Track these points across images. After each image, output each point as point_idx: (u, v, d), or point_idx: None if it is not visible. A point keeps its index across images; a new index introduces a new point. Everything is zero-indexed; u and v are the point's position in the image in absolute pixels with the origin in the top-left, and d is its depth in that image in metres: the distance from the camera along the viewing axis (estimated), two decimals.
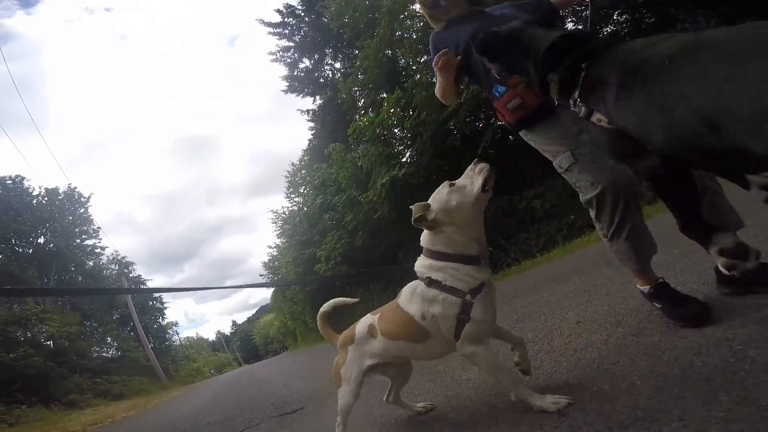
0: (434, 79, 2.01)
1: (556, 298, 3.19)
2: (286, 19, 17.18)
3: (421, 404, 1.88)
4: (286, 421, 2.69)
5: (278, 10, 17.05)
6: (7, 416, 9.79)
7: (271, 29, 17.29)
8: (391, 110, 11.53)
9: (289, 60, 17.54)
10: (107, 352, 25.14)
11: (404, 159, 11.91)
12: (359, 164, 11.70)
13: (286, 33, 17.32)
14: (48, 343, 19.22)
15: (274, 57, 17.56)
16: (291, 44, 17.39)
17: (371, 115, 12.10)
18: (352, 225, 12.99)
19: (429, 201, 1.52)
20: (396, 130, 12.06)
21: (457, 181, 1.54)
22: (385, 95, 12.55)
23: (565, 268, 4.62)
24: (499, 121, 3.26)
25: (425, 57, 11.61)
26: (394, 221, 12.30)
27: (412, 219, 1.49)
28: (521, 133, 1.86)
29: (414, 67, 12.50)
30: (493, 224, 9.24)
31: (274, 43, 17.59)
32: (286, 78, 17.71)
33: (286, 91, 17.82)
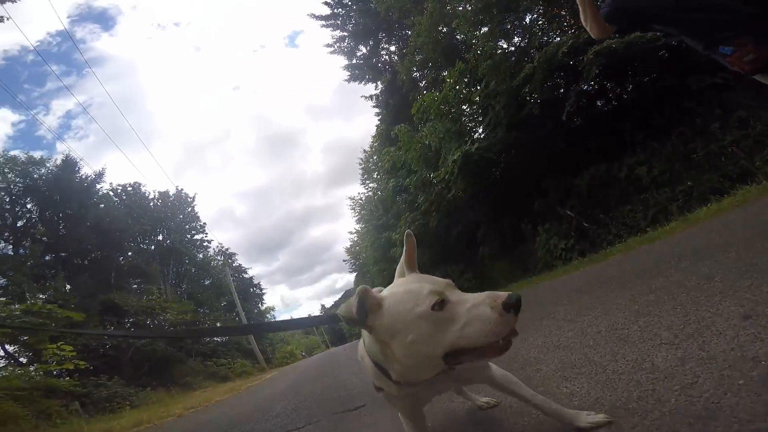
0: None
1: (695, 282, 2.29)
2: (335, 10, 17.36)
3: (485, 399, 1.74)
4: (345, 421, 2.51)
5: (326, 2, 17.26)
6: (134, 398, 11.24)
7: (323, 22, 17.57)
8: (455, 85, 10.83)
9: (346, 49, 17.78)
10: (216, 337, 28.10)
11: (476, 135, 11.09)
12: (427, 142, 11.16)
13: (338, 23, 17.53)
14: (170, 329, 21.82)
15: (332, 49, 17.89)
16: (345, 34, 17.60)
17: (434, 92, 11.45)
18: (425, 206, 12.56)
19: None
20: (464, 106, 11.32)
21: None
22: (445, 72, 11.88)
23: (694, 244, 3.58)
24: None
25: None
26: (469, 199, 11.63)
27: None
28: (757, 77, 1.94)
29: (474, 40, 11.52)
30: (588, 196, 8.31)
31: (329, 35, 18.34)
32: (346, 68, 18.07)
33: (348, 80, 18.23)
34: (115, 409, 9.36)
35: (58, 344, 10.24)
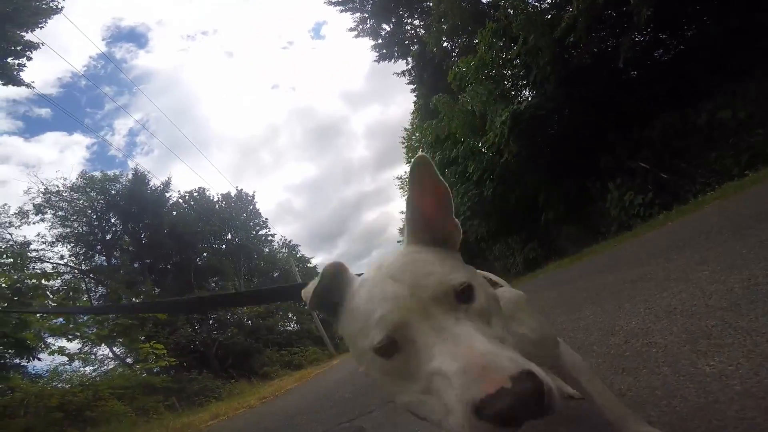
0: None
1: None
2: None
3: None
4: (398, 410, 2.30)
5: None
6: (221, 390, 12.18)
7: (341, 7, 17.16)
8: (490, 46, 10.11)
9: (369, 30, 17.34)
10: (289, 326, 29.79)
11: (523, 95, 10.54)
12: (470, 108, 10.50)
13: (356, 5, 17.06)
14: (248, 322, 23.46)
15: (356, 32, 17.52)
16: (365, 15, 17.13)
17: (469, 57, 10.78)
18: (477, 175, 11.92)
19: None
20: (505, 70, 10.66)
21: None
22: (477, 35, 11.02)
23: None
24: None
25: None
26: (524, 162, 10.82)
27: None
28: None
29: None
30: (663, 147, 7.54)
31: (350, 19, 17.63)
32: (373, 48, 17.66)
33: (378, 60, 17.84)
34: (203, 403, 10.16)
35: (152, 343, 11.29)
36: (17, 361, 6.61)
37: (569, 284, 4.58)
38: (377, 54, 17.71)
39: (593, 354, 1.80)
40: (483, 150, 10.86)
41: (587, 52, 8.87)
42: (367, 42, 17.94)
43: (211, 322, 21.54)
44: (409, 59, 17.16)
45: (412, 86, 17.78)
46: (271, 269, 37.77)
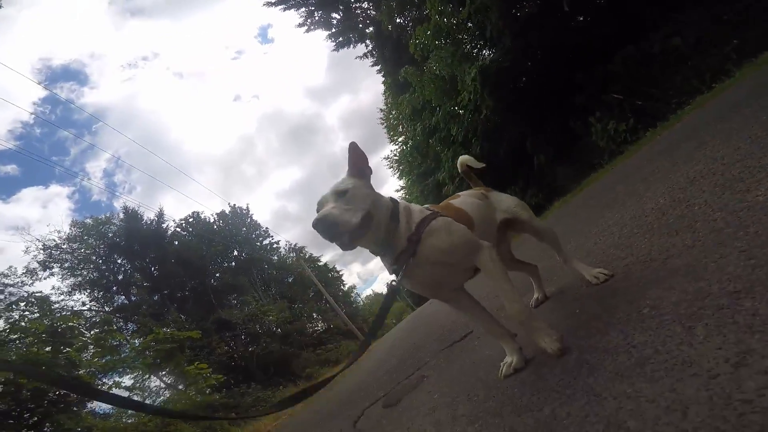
0: None
1: None
2: None
3: (597, 270, 1.65)
4: (455, 351, 2.48)
5: None
6: (273, 399, 12.60)
7: (282, 6, 16.92)
8: (441, 13, 10.17)
9: (319, 21, 17.20)
10: (317, 326, 30.42)
11: (484, 51, 10.59)
12: (437, 73, 10.70)
13: (298, 1, 16.82)
14: (277, 330, 23.95)
15: (306, 27, 17.36)
16: (311, 8, 16.92)
17: (425, 25, 10.81)
18: (461, 136, 12.14)
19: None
20: (460, 34, 10.66)
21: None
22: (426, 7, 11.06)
23: None
24: None
25: None
26: (504, 114, 11.06)
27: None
28: None
29: None
30: (629, 78, 7.99)
31: (296, 15, 17.37)
32: (328, 38, 17.55)
33: (336, 49, 17.80)
34: (263, 413, 10.57)
35: (196, 364, 11.75)
36: (78, 398, 7.01)
37: (581, 208, 4.69)
38: (334, 43, 17.65)
39: (636, 233, 1.91)
40: (461, 112, 11.04)
41: (533, 2, 9.14)
42: (320, 34, 17.81)
43: (243, 336, 22.05)
44: (367, 41, 17.07)
45: (376, 67, 17.74)
46: (284, 276, 38.16)
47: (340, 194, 1.27)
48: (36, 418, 5.79)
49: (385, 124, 19.61)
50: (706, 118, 4.01)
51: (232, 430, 8.31)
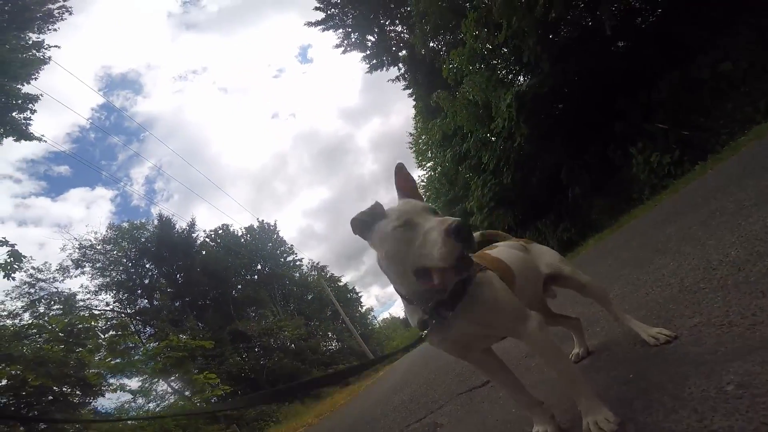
0: None
1: None
2: (328, 11, 17.03)
3: (657, 330, 1.38)
4: (475, 399, 2.20)
5: (317, 7, 17.03)
6: (277, 414, 12.35)
7: (322, 26, 17.38)
8: (476, 37, 9.98)
9: (355, 43, 17.46)
10: (331, 345, 30.05)
11: (520, 78, 10.41)
12: (471, 98, 10.41)
13: (336, 22, 17.23)
14: (291, 346, 23.79)
15: (342, 48, 17.66)
16: (348, 30, 17.29)
17: (459, 49, 10.72)
18: (492, 164, 11.78)
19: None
20: (494, 60, 10.58)
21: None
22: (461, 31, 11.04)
23: None
24: None
25: None
26: (538, 142, 10.71)
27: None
28: None
29: None
30: (673, 106, 7.51)
31: (333, 36, 17.82)
32: (363, 60, 17.82)
33: (370, 71, 17.96)
34: (263, 427, 10.33)
35: (205, 374, 11.64)
36: (84, 399, 6.97)
37: (622, 249, 4.12)
38: (368, 65, 17.88)
39: (703, 288, 1.61)
40: (493, 139, 10.76)
41: (572, 26, 8.84)
42: (356, 55, 18.09)
43: (257, 349, 21.95)
44: (400, 65, 17.22)
45: (408, 90, 17.81)
46: (304, 293, 38.29)
47: (431, 211, 1.05)
48: (35, 412, 5.73)
49: (414, 149, 19.49)
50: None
51: None
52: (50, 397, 5.88)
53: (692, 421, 0.82)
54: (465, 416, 2.01)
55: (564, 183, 11.20)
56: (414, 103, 17.81)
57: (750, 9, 6.47)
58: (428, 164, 18.86)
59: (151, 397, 13.09)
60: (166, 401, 14.61)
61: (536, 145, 10.62)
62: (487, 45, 9.90)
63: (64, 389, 6.18)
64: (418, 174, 20.37)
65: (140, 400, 11.30)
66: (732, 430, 0.74)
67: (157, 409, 11.18)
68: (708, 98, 6.83)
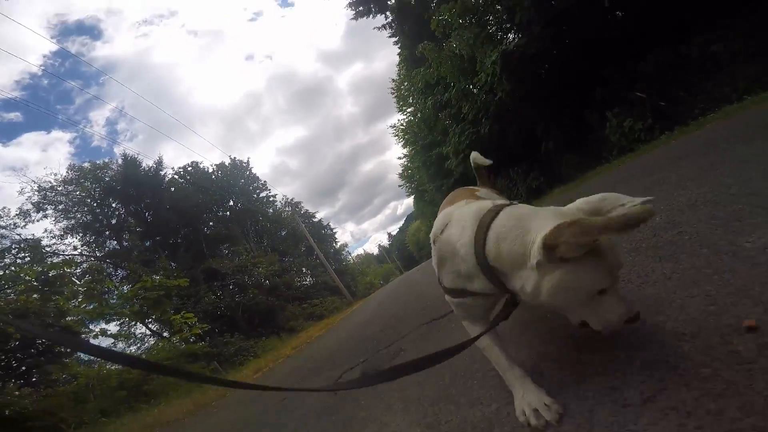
0: None
1: None
2: None
3: None
4: (433, 329, 2.53)
5: None
6: (255, 349, 13.00)
7: None
8: None
9: None
10: (305, 280, 30.86)
11: (509, 36, 10.22)
12: (457, 52, 10.32)
13: None
14: (266, 282, 24.21)
15: None
16: None
17: (451, 4, 10.25)
18: (472, 114, 11.92)
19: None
20: (488, 15, 10.18)
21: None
22: None
23: None
24: None
25: None
26: (519, 99, 10.75)
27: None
28: None
29: None
30: (657, 78, 7.59)
31: None
32: (348, 6, 16.81)
33: (355, 18, 17.06)
34: (243, 362, 10.90)
35: (182, 313, 11.96)
36: (68, 349, 7.12)
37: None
38: (353, 12, 16.93)
39: (624, 248, 1.82)
40: (475, 91, 10.70)
41: None
42: (340, 2, 17.26)
43: (231, 287, 22.33)
44: (388, 13, 16.47)
45: (394, 38, 17.23)
46: (278, 229, 38.26)
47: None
48: (24, 368, 5.88)
49: (396, 94, 19.40)
50: (728, 133, 3.79)
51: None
52: (33, 351, 5.98)
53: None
54: (423, 343, 2.31)
55: (539, 137, 11.50)
56: (399, 51, 17.39)
57: None
58: (408, 109, 18.96)
59: (131, 340, 13.43)
60: (146, 343, 15.05)
61: (516, 101, 10.65)
62: (480, 0, 9.42)
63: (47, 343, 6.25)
64: (398, 118, 20.19)
65: (120, 345, 11.56)
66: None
67: (139, 352, 11.50)
68: (692, 75, 6.97)
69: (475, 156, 1.92)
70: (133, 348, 13.25)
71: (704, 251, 1.37)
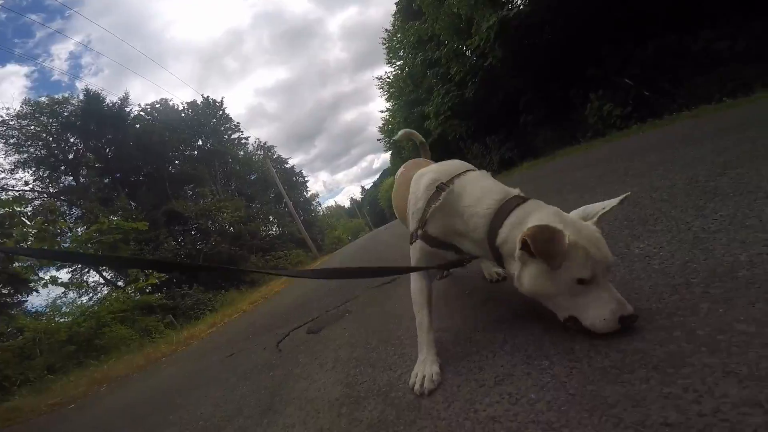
0: None
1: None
2: None
3: (496, 270, 1.74)
4: (380, 293, 2.65)
5: None
6: (213, 302, 12.63)
7: None
8: None
9: None
10: (271, 230, 30.22)
11: (515, 1, 9.68)
12: (455, 11, 9.78)
13: None
14: (230, 229, 23.44)
15: None
16: None
17: None
18: (459, 77, 11.69)
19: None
20: None
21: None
22: None
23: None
24: None
25: None
26: (510, 67, 10.44)
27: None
28: None
29: None
30: (653, 66, 7.46)
31: None
32: None
33: None
34: (199, 316, 10.51)
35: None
36: (17, 298, 6.65)
37: (541, 179, 4.97)
38: None
39: None
40: (467, 53, 10.28)
41: None
42: None
43: (193, 232, 21.56)
44: None
45: None
46: (247, 172, 37.03)
47: (609, 268, 1.00)
48: None
49: (386, 45, 18.45)
50: (689, 133, 3.87)
51: (168, 333, 8.39)
52: None
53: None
54: (368, 306, 2.47)
55: (520, 108, 11.38)
56: (397, 0, 16.37)
57: None
58: (398, 63, 18.29)
59: (83, 290, 12.66)
60: (99, 293, 14.27)
61: (506, 69, 10.35)
62: None
63: None
64: (385, 70, 19.24)
65: (71, 294, 10.95)
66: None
67: (92, 303, 10.95)
68: (686, 69, 6.84)
69: (411, 132, 2.16)
70: (84, 299, 12.60)
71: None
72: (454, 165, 1.32)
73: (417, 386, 1.12)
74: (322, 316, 2.85)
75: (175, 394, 2.70)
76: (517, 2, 9.49)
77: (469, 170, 1.28)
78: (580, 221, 1.01)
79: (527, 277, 0.98)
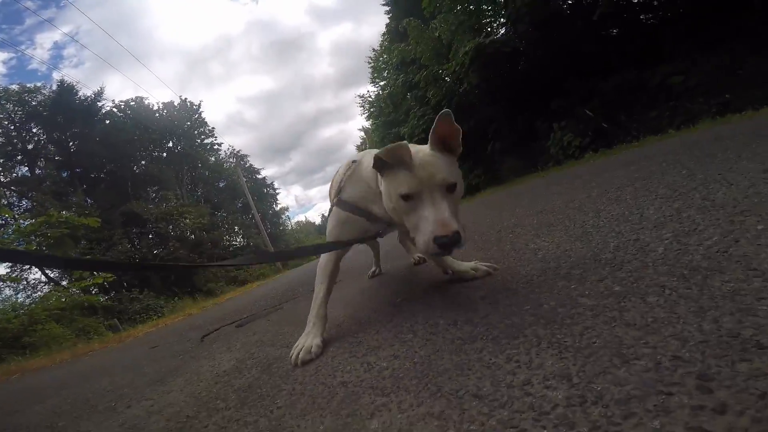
0: None
1: (709, 152, 2.39)
2: None
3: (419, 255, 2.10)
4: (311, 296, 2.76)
5: None
6: (164, 308, 12.02)
7: None
8: None
9: None
10: (235, 240, 29.31)
11: (495, 30, 10.36)
12: (437, 35, 10.34)
13: None
14: (191, 236, 22.51)
15: None
16: None
17: None
18: (435, 100, 11.99)
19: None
20: (484, 5, 10.23)
21: None
22: None
23: (719, 134, 3.52)
24: None
25: None
26: (483, 94, 10.89)
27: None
28: None
29: None
30: (613, 100, 7.93)
31: None
32: None
33: None
34: (145, 320, 9.99)
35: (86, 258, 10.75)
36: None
37: (496, 203, 5.33)
38: None
39: (475, 237, 2.31)
40: (445, 78, 10.74)
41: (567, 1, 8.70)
42: None
43: (150, 236, 20.65)
44: None
45: (387, 7, 16.82)
46: (216, 179, 36.12)
47: (450, 188, 1.05)
48: None
49: (372, 65, 19.04)
50: (628, 157, 4.20)
51: (108, 335, 7.96)
52: None
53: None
54: (300, 303, 2.63)
55: (489, 137, 11.76)
56: (388, 21, 16.98)
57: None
58: (381, 82, 18.78)
59: (21, 286, 11.74)
60: (39, 291, 13.26)
61: (480, 96, 10.82)
62: None
63: None
64: (368, 89, 19.66)
65: (7, 291, 10.14)
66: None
67: (28, 301, 10.14)
68: (641, 101, 7.31)
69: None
70: (21, 296, 11.64)
71: (507, 247, 1.74)
72: (369, 150, 1.44)
73: (293, 356, 1.19)
74: (257, 313, 2.96)
75: (81, 380, 2.65)
76: (495, 30, 10.05)
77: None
78: (424, 148, 1.10)
79: (384, 195, 1.11)
